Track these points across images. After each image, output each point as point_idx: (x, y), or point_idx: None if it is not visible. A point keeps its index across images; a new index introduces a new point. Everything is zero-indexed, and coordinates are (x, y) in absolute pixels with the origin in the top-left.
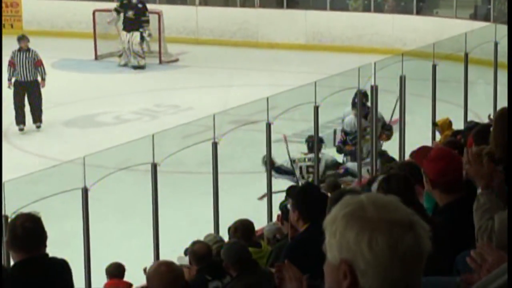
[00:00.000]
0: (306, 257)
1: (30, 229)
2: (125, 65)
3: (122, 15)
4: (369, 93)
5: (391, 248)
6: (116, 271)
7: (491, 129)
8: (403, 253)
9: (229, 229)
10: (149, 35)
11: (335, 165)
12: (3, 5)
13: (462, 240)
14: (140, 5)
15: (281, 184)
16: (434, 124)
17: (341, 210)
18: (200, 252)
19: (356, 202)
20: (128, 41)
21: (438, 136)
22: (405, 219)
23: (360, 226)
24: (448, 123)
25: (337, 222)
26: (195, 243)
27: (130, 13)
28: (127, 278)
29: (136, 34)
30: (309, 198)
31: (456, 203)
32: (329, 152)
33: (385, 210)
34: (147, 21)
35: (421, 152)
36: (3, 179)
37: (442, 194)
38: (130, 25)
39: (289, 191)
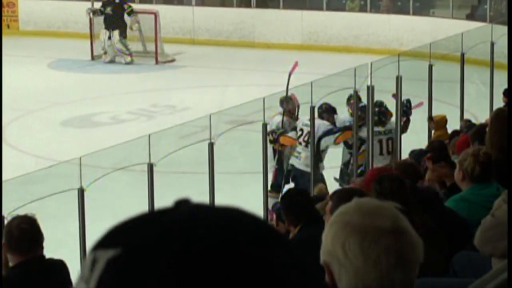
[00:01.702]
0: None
1: (26, 230)
2: (112, 61)
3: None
4: (365, 93)
5: (363, 252)
6: None
7: (487, 129)
8: (377, 257)
9: None
10: (136, 21)
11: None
12: None
13: (458, 240)
14: (117, 0)
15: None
16: (430, 118)
17: (334, 215)
18: None
19: (345, 207)
20: (109, 38)
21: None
22: (388, 225)
23: (337, 230)
24: (444, 122)
25: (326, 226)
26: None
27: (108, 9)
28: None
29: (115, 33)
30: (292, 203)
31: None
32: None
33: (368, 215)
34: (131, 12)
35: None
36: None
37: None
38: (110, 22)
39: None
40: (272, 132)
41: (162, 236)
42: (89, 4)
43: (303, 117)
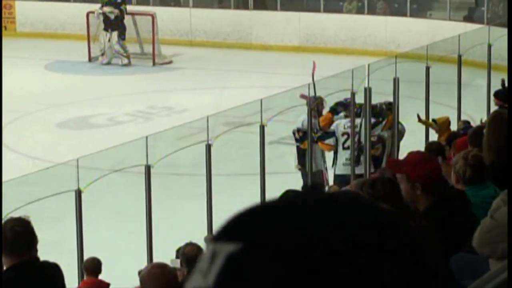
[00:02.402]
0: None
1: (20, 233)
2: (109, 63)
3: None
4: (362, 95)
5: None
6: (92, 266)
7: (484, 131)
8: None
9: None
10: (111, 12)
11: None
12: None
13: (455, 241)
14: (119, 0)
15: None
16: (434, 121)
17: None
18: (191, 254)
19: None
20: (109, 40)
21: (432, 134)
22: None
23: None
24: (447, 124)
25: None
26: (187, 245)
27: (108, 7)
28: (121, 280)
29: (115, 34)
30: None
31: (439, 204)
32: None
33: None
34: (122, 11)
35: (392, 162)
36: None
37: (428, 196)
38: (110, 23)
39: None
40: (298, 130)
41: (286, 233)
42: (86, 6)
43: (342, 121)
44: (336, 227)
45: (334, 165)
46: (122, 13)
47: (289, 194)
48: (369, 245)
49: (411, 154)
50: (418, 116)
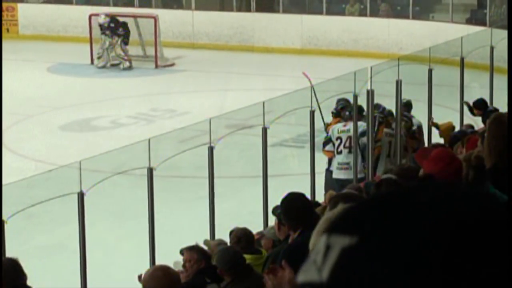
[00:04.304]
0: (302, 260)
1: None
2: (103, 67)
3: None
4: (365, 97)
5: None
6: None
7: (485, 134)
8: None
9: (230, 232)
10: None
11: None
12: None
13: None
14: (112, 25)
15: None
16: (436, 126)
17: (319, 226)
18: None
19: (333, 214)
20: (110, 44)
21: (434, 137)
22: None
23: None
24: (451, 129)
25: (313, 237)
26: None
27: (107, 33)
28: (124, 282)
29: (119, 38)
30: (291, 208)
31: None
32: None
33: None
34: (123, 35)
35: (421, 152)
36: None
37: None
38: (115, 31)
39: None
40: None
41: (402, 224)
42: (89, 9)
43: (336, 125)
44: (450, 213)
45: (331, 169)
46: (125, 27)
47: (390, 190)
48: (488, 225)
49: (436, 150)
50: (432, 122)
